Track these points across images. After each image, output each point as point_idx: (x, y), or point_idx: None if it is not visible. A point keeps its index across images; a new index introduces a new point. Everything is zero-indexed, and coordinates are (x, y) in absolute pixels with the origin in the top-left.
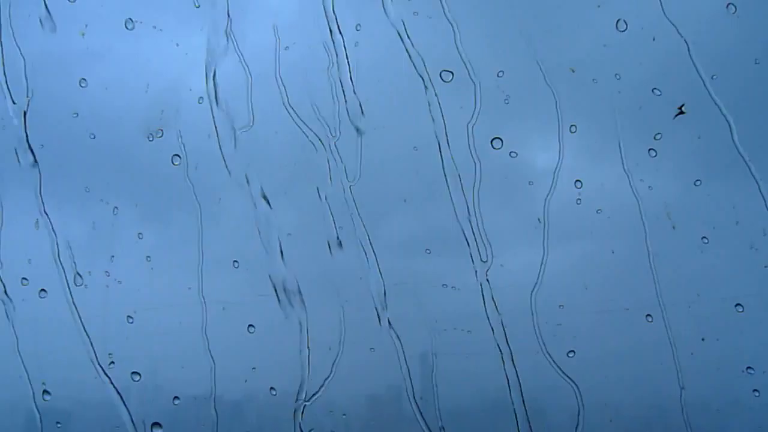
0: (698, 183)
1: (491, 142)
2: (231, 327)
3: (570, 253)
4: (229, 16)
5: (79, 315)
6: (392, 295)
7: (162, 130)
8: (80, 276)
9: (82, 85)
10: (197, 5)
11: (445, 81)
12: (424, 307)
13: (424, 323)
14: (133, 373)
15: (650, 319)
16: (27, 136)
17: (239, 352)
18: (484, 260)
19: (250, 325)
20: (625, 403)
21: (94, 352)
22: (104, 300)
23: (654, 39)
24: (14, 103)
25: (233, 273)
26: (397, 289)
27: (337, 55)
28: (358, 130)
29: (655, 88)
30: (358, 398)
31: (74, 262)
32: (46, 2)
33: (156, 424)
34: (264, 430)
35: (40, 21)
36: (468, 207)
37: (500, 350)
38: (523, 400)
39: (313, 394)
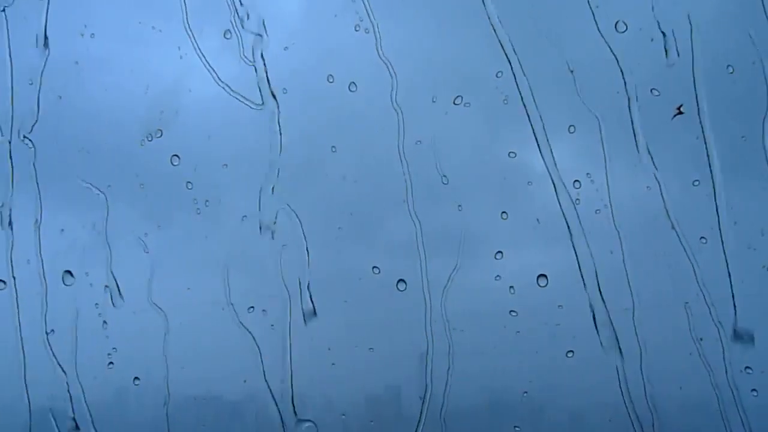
0: (696, 183)
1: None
2: (231, 327)
3: (569, 254)
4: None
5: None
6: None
7: (161, 131)
8: (72, 275)
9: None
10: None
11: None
12: (425, 307)
13: (424, 323)
14: (135, 378)
15: (649, 320)
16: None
17: (239, 352)
18: (483, 260)
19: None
20: (625, 403)
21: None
22: (104, 300)
23: (652, 40)
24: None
25: (233, 273)
26: (395, 289)
27: None
28: None
29: (653, 89)
30: (357, 398)
31: (75, 263)
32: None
33: None
34: (264, 430)
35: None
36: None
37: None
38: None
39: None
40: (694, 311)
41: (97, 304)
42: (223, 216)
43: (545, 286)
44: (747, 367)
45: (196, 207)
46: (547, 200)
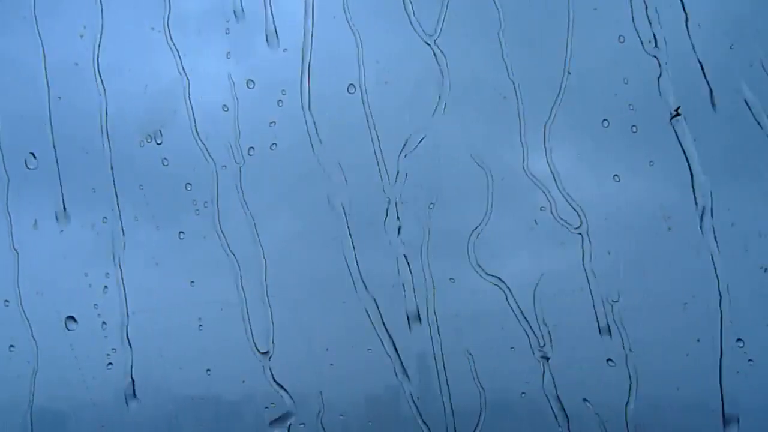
0: (694, 184)
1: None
2: (231, 327)
3: (567, 254)
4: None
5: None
6: (392, 295)
7: (161, 131)
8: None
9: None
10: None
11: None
12: (424, 307)
13: (423, 323)
14: (132, 380)
15: (646, 321)
16: None
17: (238, 352)
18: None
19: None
20: (625, 403)
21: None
22: (104, 300)
23: (650, 42)
24: None
25: (233, 273)
26: (394, 290)
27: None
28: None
29: (651, 90)
30: (357, 398)
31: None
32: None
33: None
34: (263, 430)
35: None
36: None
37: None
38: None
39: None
40: (691, 312)
41: (96, 304)
42: (222, 216)
43: (543, 286)
44: (744, 368)
45: (195, 207)
46: (546, 201)
